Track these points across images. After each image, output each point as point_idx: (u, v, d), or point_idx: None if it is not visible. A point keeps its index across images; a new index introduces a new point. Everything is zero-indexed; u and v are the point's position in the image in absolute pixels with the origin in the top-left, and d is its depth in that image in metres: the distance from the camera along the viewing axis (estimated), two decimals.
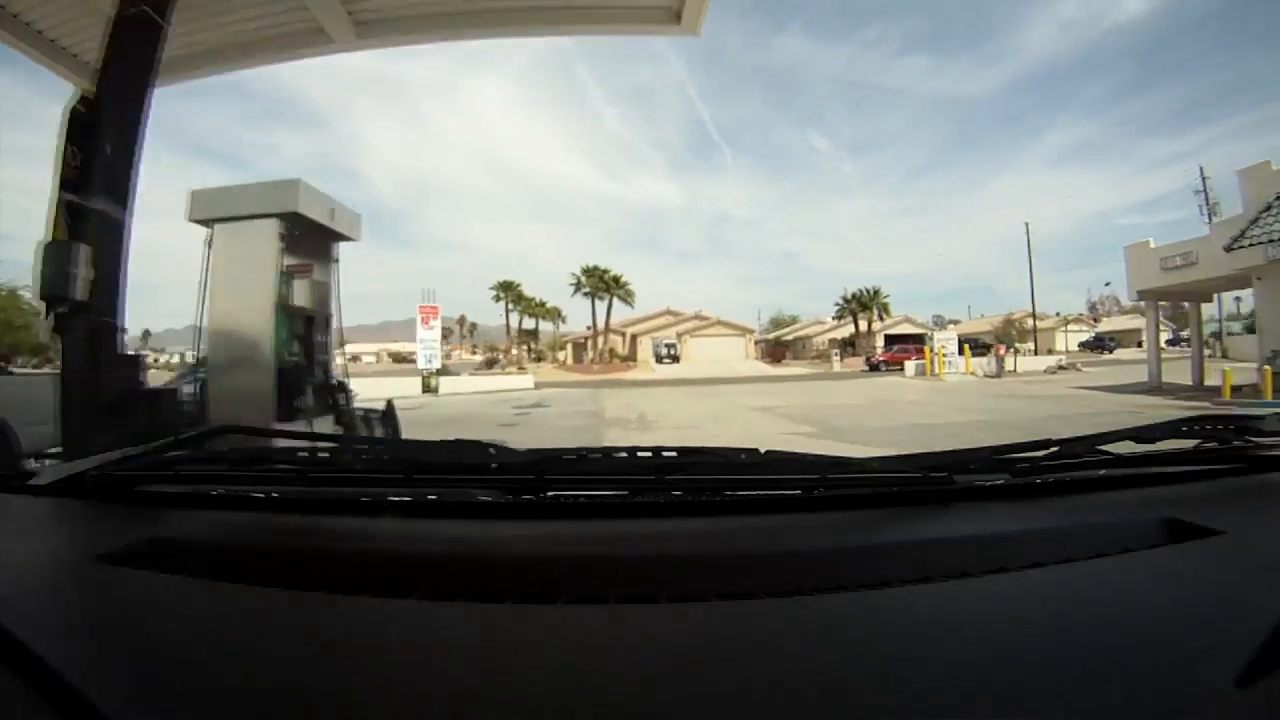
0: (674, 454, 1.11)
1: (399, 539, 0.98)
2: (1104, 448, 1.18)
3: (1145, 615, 0.71)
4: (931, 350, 28.21)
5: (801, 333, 70.86)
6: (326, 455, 1.20)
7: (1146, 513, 0.98)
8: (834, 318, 70.15)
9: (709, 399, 20.80)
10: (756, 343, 64.88)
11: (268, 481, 1.13)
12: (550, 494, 1.02)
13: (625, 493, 1.04)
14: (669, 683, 0.59)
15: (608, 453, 1.13)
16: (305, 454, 1.19)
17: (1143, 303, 23.06)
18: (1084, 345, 56.27)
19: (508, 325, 67.41)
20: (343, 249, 7.27)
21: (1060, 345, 54.59)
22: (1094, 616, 0.70)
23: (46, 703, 0.57)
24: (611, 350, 59.31)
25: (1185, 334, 62.37)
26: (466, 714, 0.56)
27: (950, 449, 1.16)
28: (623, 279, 56.67)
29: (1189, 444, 1.25)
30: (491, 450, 1.12)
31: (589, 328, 62.57)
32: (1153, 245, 21.32)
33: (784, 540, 0.92)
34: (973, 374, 28.45)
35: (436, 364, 25.03)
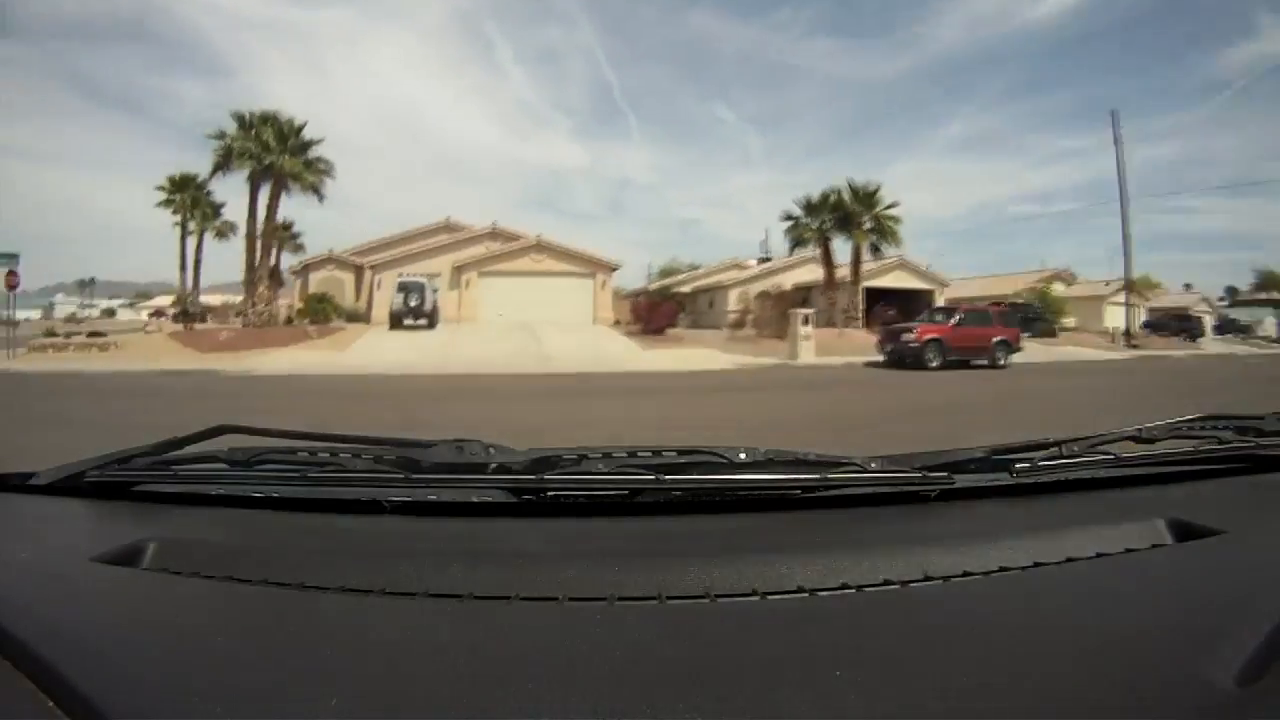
0: (674, 453, 1.11)
1: (399, 538, 0.99)
2: (1104, 448, 1.17)
3: (1146, 615, 0.71)
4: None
5: (707, 282, 40.87)
6: (326, 454, 1.17)
7: (1147, 512, 0.96)
8: (762, 258, 42.07)
9: None
10: (625, 297, 35.39)
11: (267, 481, 1.12)
12: (550, 493, 1.02)
13: (625, 492, 1.03)
14: (669, 681, 0.60)
15: (608, 452, 1.11)
16: (305, 453, 1.18)
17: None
18: (1150, 326, 35.78)
19: (182, 256, 35.83)
20: None
21: (1110, 322, 34.65)
22: (1095, 616, 0.70)
23: (47, 702, 0.57)
24: (319, 300, 27.86)
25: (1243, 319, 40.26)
26: (468, 712, 0.56)
27: (950, 448, 1.16)
28: (300, 129, 26.50)
29: (1189, 444, 1.25)
30: (491, 450, 1.13)
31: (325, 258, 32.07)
32: None
33: (784, 539, 0.92)
34: None
35: None
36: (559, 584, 0.77)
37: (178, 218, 36.43)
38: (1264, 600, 0.69)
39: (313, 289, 30.51)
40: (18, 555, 0.94)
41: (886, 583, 0.77)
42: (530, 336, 22.31)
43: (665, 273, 50.60)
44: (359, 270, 32.72)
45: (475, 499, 1.05)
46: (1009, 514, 1.06)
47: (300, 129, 26.64)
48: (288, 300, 32.08)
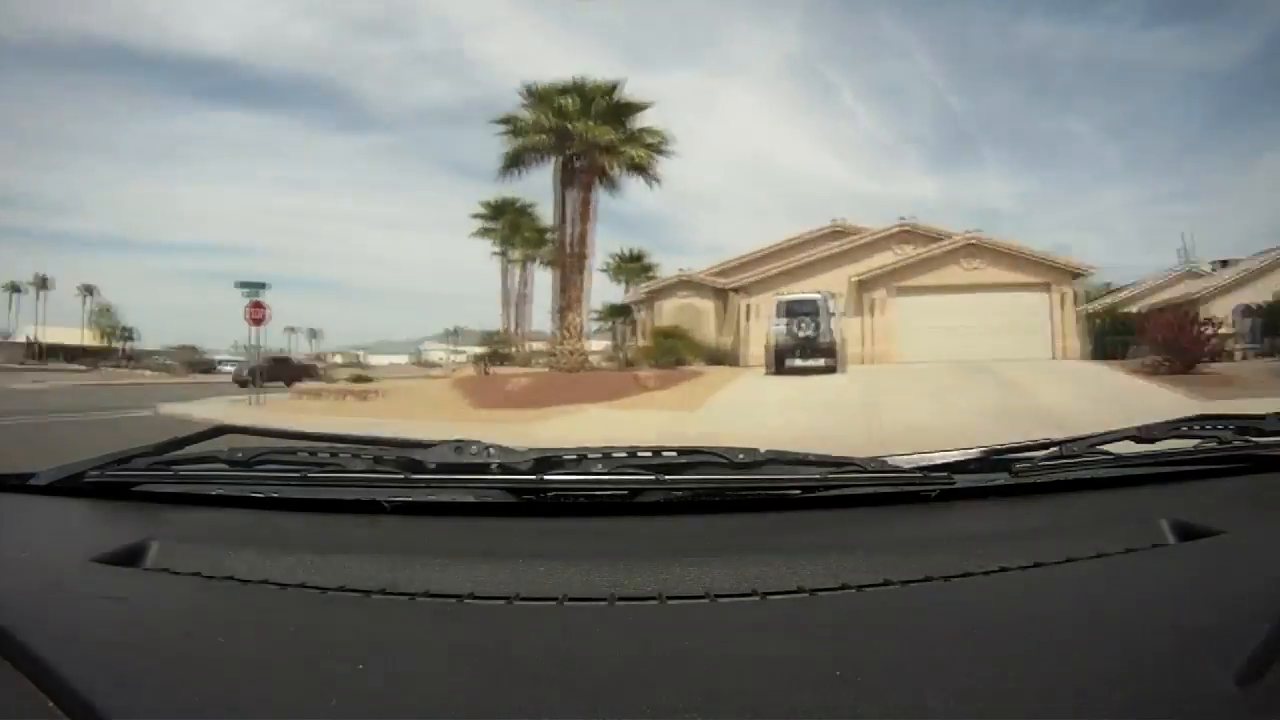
0: (674, 454, 1.10)
1: (398, 538, 0.99)
2: (1104, 448, 1.17)
3: (1146, 615, 0.72)
4: None
5: (1161, 298, 27.03)
6: (326, 455, 1.16)
7: (1147, 512, 0.96)
8: (1218, 261, 29.70)
9: None
10: (1096, 315, 24.45)
11: (267, 482, 1.12)
12: (550, 494, 1.02)
13: (626, 492, 1.03)
14: (669, 681, 0.60)
15: (608, 453, 1.10)
16: (305, 454, 1.18)
17: None
18: None
19: (504, 290, 33.54)
20: None
21: None
22: (1094, 616, 0.71)
23: (47, 703, 0.58)
24: (666, 335, 21.69)
25: None
26: (468, 712, 0.56)
27: (951, 449, 1.15)
28: (610, 89, 19.46)
29: (1189, 444, 1.24)
30: (491, 450, 1.12)
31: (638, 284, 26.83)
32: None
33: (784, 539, 0.93)
34: None
35: None
36: (559, 584, 0.77)
37: (499, 248, 32.77)
38: (1264, 600, 0.69)
39: (661, 322, 24.43)
40: (18, 555, 0.94)
41: (886, 583, 0.77)
42: (997, 385, 13.46)
43: (1086, 297, 38.39)
44: (722, 295, 24.74)
45: (475, 499, 1.05)
46: (1009, 514, 1.06)
47: (611, 89, 18.94)
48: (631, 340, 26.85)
